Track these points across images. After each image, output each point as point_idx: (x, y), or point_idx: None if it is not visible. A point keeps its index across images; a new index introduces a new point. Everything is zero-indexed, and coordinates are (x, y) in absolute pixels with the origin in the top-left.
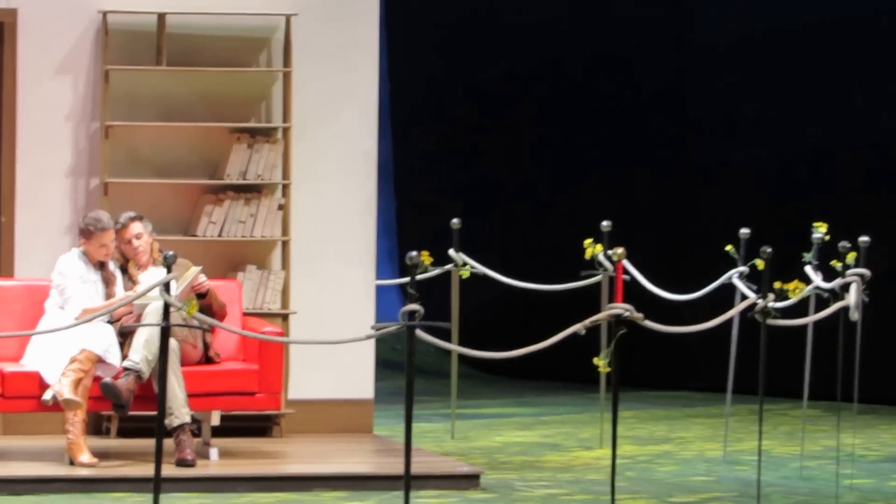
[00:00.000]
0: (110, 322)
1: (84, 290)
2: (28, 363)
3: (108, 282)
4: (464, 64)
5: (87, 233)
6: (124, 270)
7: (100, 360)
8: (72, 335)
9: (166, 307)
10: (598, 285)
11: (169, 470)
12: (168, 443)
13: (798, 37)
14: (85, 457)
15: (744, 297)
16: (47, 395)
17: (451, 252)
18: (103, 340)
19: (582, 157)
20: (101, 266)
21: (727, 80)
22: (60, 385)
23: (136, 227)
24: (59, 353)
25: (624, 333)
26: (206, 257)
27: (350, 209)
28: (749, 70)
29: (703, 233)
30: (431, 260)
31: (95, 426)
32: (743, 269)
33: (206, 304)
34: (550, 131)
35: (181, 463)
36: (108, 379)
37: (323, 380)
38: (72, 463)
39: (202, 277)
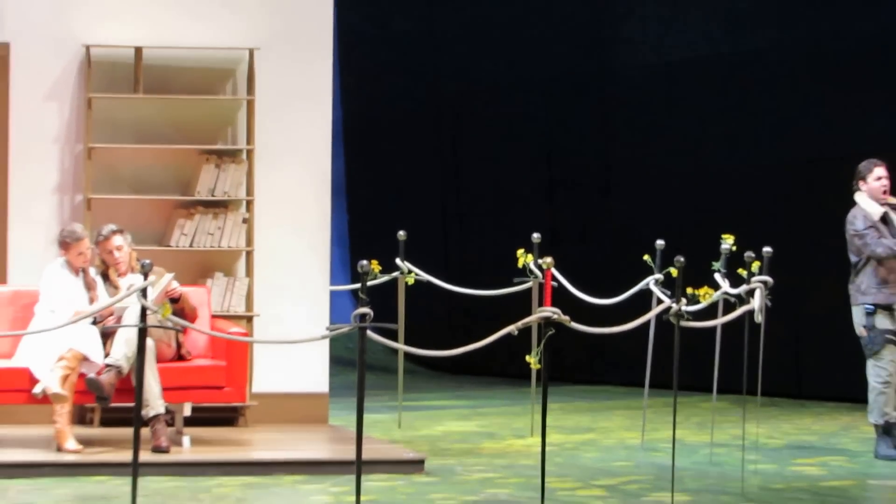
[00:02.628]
0: (94, 323)
1: (68, 295)
2: (19, 360)
3: (89, 286)
4: (408, 90)
5: (64, 244)
6: (105, 277)
7: (85, 358)
8: (60, 335)
9: (143, 310)
10: (529, 291)
11: (146, 456)
12: (145, 431)
13: (712, 65)
14: (71, 444)
15: (659, 302)
16: (37, 389)
17: (398, 261)
18: (88, 340)
19: (517, 174)
20: (82, 272)
21: (648, 100)
22: (49, 380)
23: (117, 240)
24: (48, 352)
25: (552, 334)
26: (179, 265)
27: (307, 222)
28: (667, 92)
29: (622, 244)
30: (380, 268)
31: (80, 416)
32: (658, 276)
33: (179, 307)
34: (487, 151)
35: (157, 449)
36: (92, 375)
37: (283, 375)
38: (59, 449)
39: (175, 284)
